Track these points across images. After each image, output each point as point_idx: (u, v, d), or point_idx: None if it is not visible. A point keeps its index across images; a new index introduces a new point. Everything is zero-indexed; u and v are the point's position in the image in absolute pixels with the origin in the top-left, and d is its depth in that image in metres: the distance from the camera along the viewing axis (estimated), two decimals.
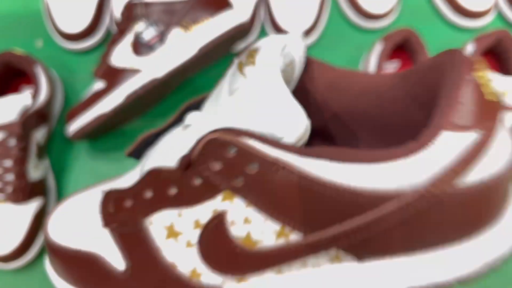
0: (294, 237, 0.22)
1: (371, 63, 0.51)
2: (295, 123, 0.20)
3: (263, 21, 0.58)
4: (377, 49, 0.51)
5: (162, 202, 0.24)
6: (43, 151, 0.51)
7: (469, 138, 0.19)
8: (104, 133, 0.53)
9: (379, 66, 0.50)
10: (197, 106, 0.31)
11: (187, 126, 0.28)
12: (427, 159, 0.19)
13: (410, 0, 0.60)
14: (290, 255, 0.22)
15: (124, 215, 0.25)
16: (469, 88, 0.19)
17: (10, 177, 0.47)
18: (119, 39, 0.49)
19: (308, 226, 0.21)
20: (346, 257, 0.22)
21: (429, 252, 0.20)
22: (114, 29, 0.58)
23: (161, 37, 0.48)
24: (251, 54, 0.24)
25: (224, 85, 0.26)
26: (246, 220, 0.22)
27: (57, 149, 0.54)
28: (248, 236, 0.22)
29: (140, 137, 0.33)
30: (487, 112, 0.19)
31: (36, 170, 0.49)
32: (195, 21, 0.48)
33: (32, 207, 0.48)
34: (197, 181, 0.23)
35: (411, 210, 0.19)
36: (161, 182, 0.24)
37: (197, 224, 0.23)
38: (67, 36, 0.55)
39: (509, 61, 0.50)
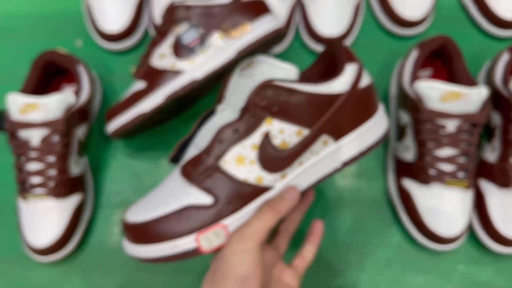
0: (305, 132, 0.38)
1: (406, 70, 0.51)
2: (293, 71, 0.39)
3: (298, 25, 0.59)
4: (413, 56, 0.51)
5: (231, 143, 0.37)
6: (83, 147, 0.52)
7: (357, 65, 0.40)
8: (141, 132, 0.54)
9: (414, 73, 0.51)
10: (210, 115, 0.43)
11: (224, 109, 0.41)
12: (346, 76, 0.39)
13: (444, 8, 0.60)
14: (305, 145, 0.38)
15: (203, 166, 0.37)
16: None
17: (53, 172, 0.48)
18: (160, 41, 0.50)
19: (310, 122, 0.38)
20: (329, 140, 0.39)
21: (357, 129, 0.40)
22: (152, 30, 0.59)
23: (202, 40, 0.49)
24: (249, 63, 0.42)
25: (236, 83, 0.42)
26: (281, 131, 0.37)
27: (94, 146, 0.55)
28: (283, 141, 0.37)
29: (176, 145, 0.42)
30: (356, 59, 0.40)
31: (76, 166, 0.50)
32: (234, 25, 0.49)
33: (72, 202, 0.49)
34: (251, 120, 0.37)
35: (346, 102, 0.38)
36: (228, 132, 0.38)
37: (254, 146, 0.37)
38: (107, 37, 0.57)
39: None
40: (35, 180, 0.48)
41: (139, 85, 0.50)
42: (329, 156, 0.39)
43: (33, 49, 0.59)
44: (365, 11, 0.60)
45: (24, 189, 0.49)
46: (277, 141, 0.37)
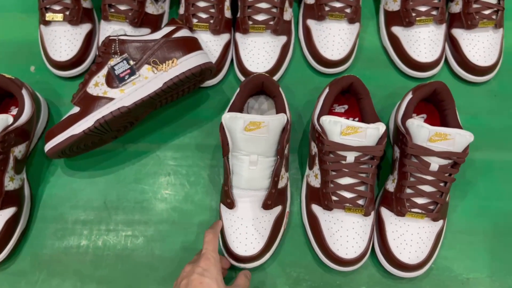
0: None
1: (319, 105, 0.56)
2: None
3: (232, 61, 0.65)
4: (325, 92, 0.57)
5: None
6: (21, 165, 0.57)
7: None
8: (80, 154, 0.59)
9: (326, 108, 0.56)
10: None
11: None
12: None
13: (368, 49, 0.66)
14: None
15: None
16: None
17: None
18: (96, 70, 0.56)
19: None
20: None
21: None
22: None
23: (132, 71, 0.54)
24: None
25: None
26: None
27: (38, 164, 0.60)
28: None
29: None
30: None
31: (11, 182, 0.55)
32: (163, 59, 0.55)
33: (4, 215, 0.53)
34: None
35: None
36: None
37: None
38: (56, 65, 0.62)
39: (447, 112, 0.55)
40: None
41: (75, 109, 0.55)
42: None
43: None
44: (294, 51, 0.66)
45: None
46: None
